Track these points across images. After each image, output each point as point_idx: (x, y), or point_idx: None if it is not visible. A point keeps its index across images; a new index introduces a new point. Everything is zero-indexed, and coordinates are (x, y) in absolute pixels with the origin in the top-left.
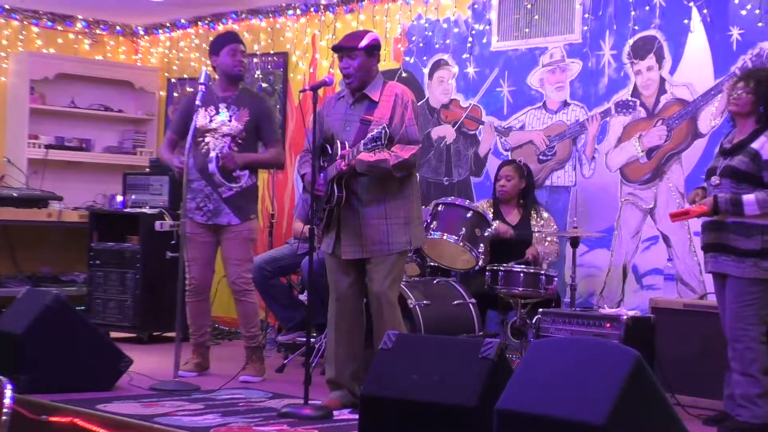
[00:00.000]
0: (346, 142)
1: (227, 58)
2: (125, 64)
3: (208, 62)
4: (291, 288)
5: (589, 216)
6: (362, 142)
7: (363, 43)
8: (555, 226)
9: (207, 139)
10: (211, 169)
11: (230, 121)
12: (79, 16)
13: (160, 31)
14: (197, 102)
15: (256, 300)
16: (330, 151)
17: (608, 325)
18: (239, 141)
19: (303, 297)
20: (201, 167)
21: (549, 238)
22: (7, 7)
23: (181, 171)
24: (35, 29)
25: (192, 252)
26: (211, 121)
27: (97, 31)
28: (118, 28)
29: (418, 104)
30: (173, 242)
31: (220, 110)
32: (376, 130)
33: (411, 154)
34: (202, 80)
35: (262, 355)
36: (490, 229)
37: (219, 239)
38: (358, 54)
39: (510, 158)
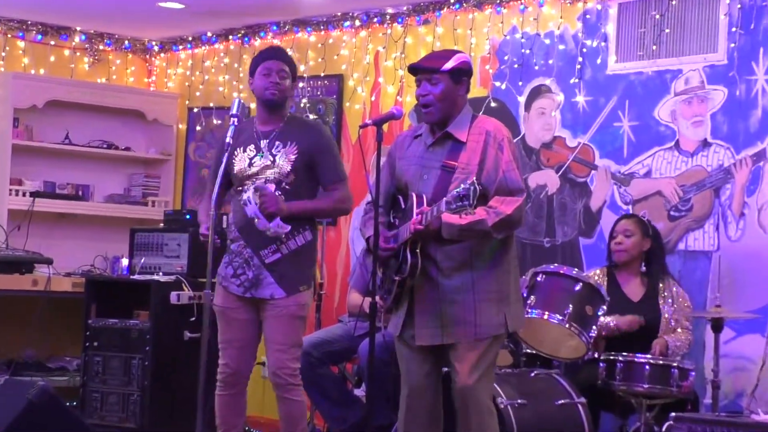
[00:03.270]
0: (424, 195)
1: (260, 80)
2: (135, 88)
3: (241, 86)
4: (344, 380)
5: (737, 291)
6: (444, 200)
7: (448, 65)
8: (689, 305)
9: (248, 189)
10: (251, 213)
11: (273, 163)
12: (77, 28)
13: (180, 47)
14: (227, 139)
15: (304, 398)
16: (403, 206)
17: None
18: (286, 187)
19: (360, 391)
20: (241, 224)
21: (681, 325)
22: None
23: (205, 239)
24: (21, 44)
25: (226, 332)
26: (250, 164)
27: (100, 47)
28: (126, 43)
29: None
30: (193, 319)
31: (261, 150)
32: (462, 186)
33: (515, 209)
34: (234, 111)
35: None
36: (604, 307)
37: (261, 317)
38: (440, 78)
39: (630, 213)
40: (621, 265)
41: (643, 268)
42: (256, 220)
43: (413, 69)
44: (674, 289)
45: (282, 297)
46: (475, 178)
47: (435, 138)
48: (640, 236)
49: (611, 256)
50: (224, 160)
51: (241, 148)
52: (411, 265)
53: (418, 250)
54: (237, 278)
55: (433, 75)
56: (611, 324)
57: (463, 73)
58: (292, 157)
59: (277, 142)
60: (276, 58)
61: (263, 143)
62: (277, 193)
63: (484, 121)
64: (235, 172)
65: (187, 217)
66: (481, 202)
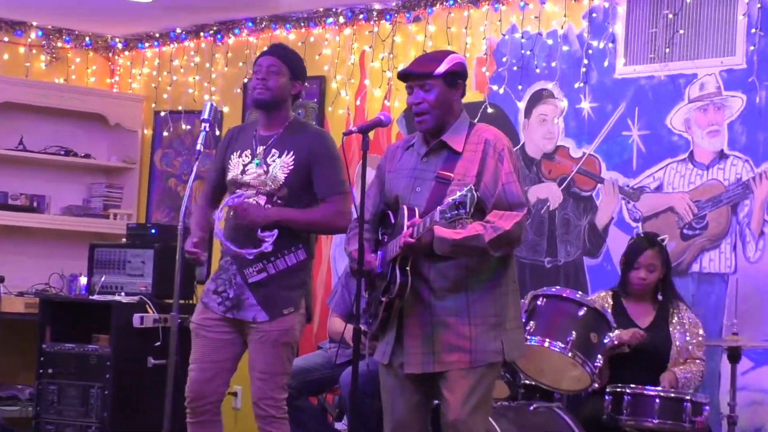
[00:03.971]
0: (416, 208)
1: (251, 82)
2: (96, 90)
3: (213, 88)
4: (324, 412)
5: (756, 317)
6: (438, 209)
7: (441, 68)
8: (702, 334)
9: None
10: (215, 232)
11: (266, 172)
12: (33, 23)
13: (146, 44)
14: (198, 146)
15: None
16: (393, 221)
17: None
18: (278, 201)
19: (341, 425)
20: (229, 237)
21: (693, 356)
22: None
23: (194, 257)
24: None
25: (198, 351)
26: (243, 171)
27: (58, 44)
28: (86, 39)
29: None
30: (158, 344)
31: (256, 156)
32: (458, 193)
33: (514, 224)
34: (205, 115)
35: None
36: (611, 335)
37: (246, 340)
38: (434, 83)
39: (645, 233)
40: (636, 294)
41: (660, 297)
42: (223, 244)
43: (403, 75)
44: (686, 315)
45: (264, 321)
46: (474, 186)
47: (429, 147)
48: (661, 269)
49: (627, 286)
50: (194, 168)
51: (237, 153)
52: (400, 285)
53: (408, 268)
54: (218, 295)
55: (425, 80)
56: (614, 339)
57: (457, 75)
58: (288, 168)
59: (273, 150)
60: (268, 54)
61: (260, 150)
62: (258, 202)
63: (482, 129)
64: (228, 179)
65: (153, 231)
66: (477, 217)
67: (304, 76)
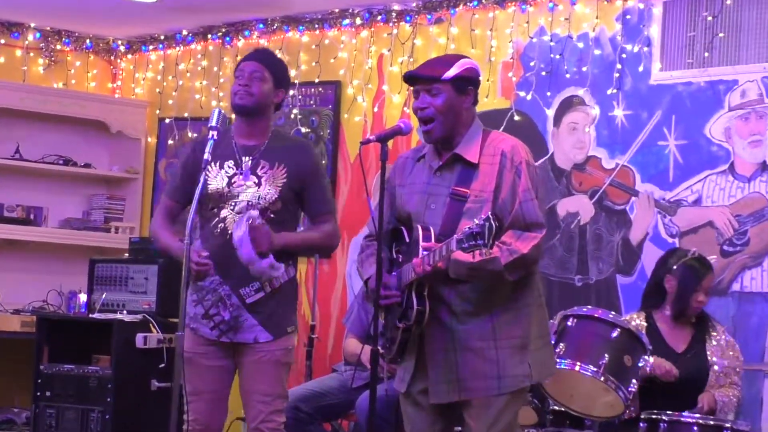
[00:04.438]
0: (432, 227)
1: (232, 87)
2: (97, 95)
3: (221, 93)
4: None
5: None
6: (455, 238)
7: (451, 72)
8: (740, 357)
9: (223, 213)
10: (244, 256)
11: (258, 186)
12: (31, 24)
13: (150, 47)
14: (206, 155)
15: None
16: (407, 239)
17: None
18: (271, 215)
19: None
20: (217, 256)
21: (730, 380)
22: None
23: (202, 269)
24: None
25: (196, 382)
26: (230, 184)
27: (57, 47)
28: (87, 42)
29: (538, 164)
30: (162, 366)
31: (243, 168)
32: (476, 222)
33: (532, 247)
34: (213, 122)
35: None
36: (645, 357)
37: (237, 362)
38: (442, 88)
39: (697, 256)
40: (680, 314)
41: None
42: (241, 250)
43: (410, 78)
44: (723, 337)
45: (268, 341)
46: (490, 211)
47: (443, 161)
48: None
49: (686, 310)
50: (201, 181)
51: (217, 164)
52: (417, 312)
53: (425, 293)
54: (209, 319)
55: (433, 84)
56: (649, 366)
57: (468, 81)
58: (281, 182)
59: (262, 162)
60: (252, 59)
61: (245, 161)
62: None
63: (498, 139)
64: (210, 191)
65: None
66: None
67: (288, 85)
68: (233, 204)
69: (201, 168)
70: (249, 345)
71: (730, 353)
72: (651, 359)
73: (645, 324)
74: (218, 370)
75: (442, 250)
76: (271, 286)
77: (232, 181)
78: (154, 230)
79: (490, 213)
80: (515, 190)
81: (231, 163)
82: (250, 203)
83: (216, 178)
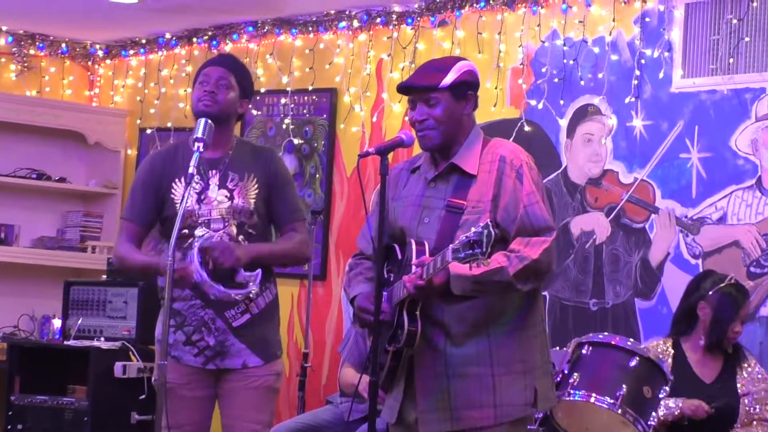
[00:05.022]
0: (426, 242)
1: (194, 92)
2: (73, 104)
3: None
4: None
5: None
6: (450, 247)
7: (448, 78)
8: None
9: (198, 233)
10: (197, 278)
11: (230, 198)
12: (3, 28)
13: (131, 51)
14: (191, 169)
15: None
16: (399, 256)
17: None
18: (249, 230)
19: None
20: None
21: (760, 416)
22: None
23: (184, 274)
24: None
25: (178, 414)
26: (200, 201)
27: (30, 52)
28: (63, 46)
29: (550, 178)
30: (143, 397)
31: (210, 183)
32: (474, 230)
33: (542, 251)
34: (199, 133)
35: None
36: (666, 389)
37: (220, 389)
38: (440, 97)
39: (732, 279)
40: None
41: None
42: (207, 287)
43: (404, 89)
44: (755, 369)
45: (257, 365)
46: (489, 218)
47: (438, 171)
48: None
49: (723, 342)
50: (186, 196)
51: (180, 181)
52: (408, 333)
53: (417, 313)
54: (192, 346)
55: (430, 94)
56: (674, 409)
57: (468, 86)
58: (253, 193)
59: (231, 174)
60: (217, 65)
61: (212, 174)
62: (232, 238)
63: (497, 145)
64: (179, 211)
65: None
66: (500, 247)
67: (252, 95)
68: (206, 221)
69: (165, 186)
70: (236, 370)
71: (762, 386)
72: (676, 401)
73: (671, 351)
74: (201, 401)
75: (436, 262)
76: (257, 307)
77: (202, 198)
78: (121, 256)
79: (489, 220)
80: (517, 195)
81: (197, 178)
82: (225, 221)
83: (181, 197)
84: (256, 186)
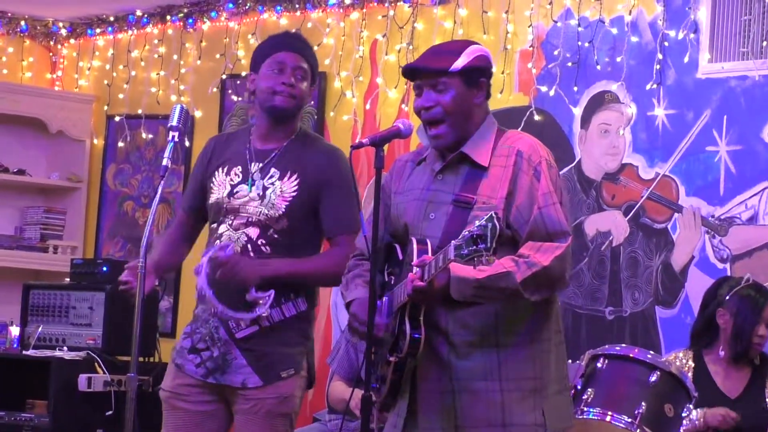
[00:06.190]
0: (429, 240)
1: (266, 78)
2: (33, 88)
3: (183, 86)
4: None
5: None
6: (452, 243)
7: (459, 62)
8: None
9: (221, 229)
10: (199, 285)
11: (261, 197)
12: None
13: (98, 30)
14: (164, 161)
15: None
16: (400, 256)
17: None
18: (274, 236)
19: None
20: (209, 278)
21: None
22: None
23: (127, 290)
24: None
25: (172, 427)
26: (232, 194)
27: None
28: (22, 24)
29: (562, 173)
30: (110, 413)
31: (250, 176)
32: (477, 223)
33: (554, 258)
34: (174, 121)
35: None
36: (690, 406)
37: (231, 410)
38: (450, 82)
39: (749, 280)
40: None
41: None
42: (211, 304)
43: (410, 72)
44: None
45: (257, 386)
46: (497, 213)
47: (446, 161)
48: None
49: (749, 350)
50: (158, 191)
51: (224, 169)
52: (411, 341)
53: (421, 318)
54: (196, 355)
55: (439, 78)
56: (696, 420)
57: (481, 72)
58: (290, 194)
59: (273, 170)
60: (293, 50)
61: (254, 167)
62: (263, 246)
63: (514, 138)
64: (210, 201)
65: (103, 269)
66: (509, 251)
67: (316, 81)
68: (232, 219)
69: (209, 173)
70: (238, 390)
71: None
72: (697, 414)
73: (692, 365)
74: (201, 416)
75: (438, 260)
76: (271, 320)
77: (235, 191)
78: (157, 242)
79: (494, 212)
80: (533, 194)
81: (238, 169)
82: (249, 220)
83: (219, 187)
84: (295, 187)
